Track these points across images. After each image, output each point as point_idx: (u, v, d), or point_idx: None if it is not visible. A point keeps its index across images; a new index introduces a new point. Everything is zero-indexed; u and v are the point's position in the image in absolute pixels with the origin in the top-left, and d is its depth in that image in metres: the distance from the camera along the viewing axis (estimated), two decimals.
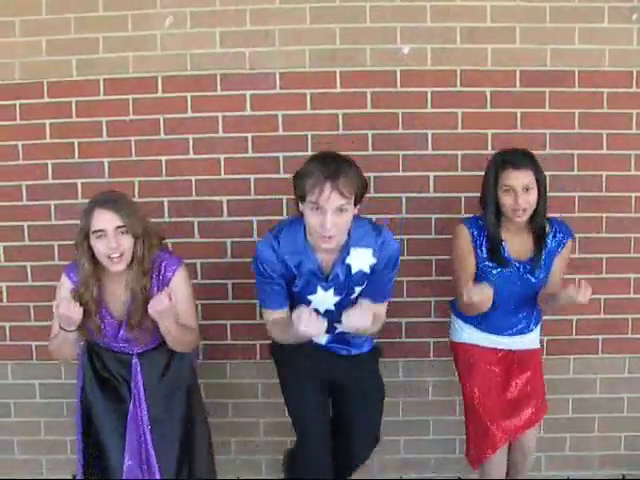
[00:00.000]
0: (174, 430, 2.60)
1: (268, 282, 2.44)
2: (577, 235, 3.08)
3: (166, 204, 3.14)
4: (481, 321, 2.73)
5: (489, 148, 3.02)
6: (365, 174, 2.38)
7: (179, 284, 2.51)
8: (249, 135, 3.10)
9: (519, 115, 3.06)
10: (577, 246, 3.12)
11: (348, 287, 2.45)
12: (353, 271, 2.41)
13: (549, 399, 3.14)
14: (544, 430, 3.21)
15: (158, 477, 2.55)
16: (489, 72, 3.05)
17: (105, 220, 2.38)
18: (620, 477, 3.27)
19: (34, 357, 3.24)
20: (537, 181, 2.58)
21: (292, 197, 2.41)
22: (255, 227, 3.14)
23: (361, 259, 2.40)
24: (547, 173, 2.67)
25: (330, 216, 2.22)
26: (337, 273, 2.42)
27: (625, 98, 3.07)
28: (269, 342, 2.75)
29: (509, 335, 2.77)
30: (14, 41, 3.08)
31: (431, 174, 3.10)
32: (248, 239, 3.12)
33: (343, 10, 3.03)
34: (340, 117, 3.08)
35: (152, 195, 3.12)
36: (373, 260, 2.41)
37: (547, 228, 2.68)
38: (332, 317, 2.44)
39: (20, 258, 3.19)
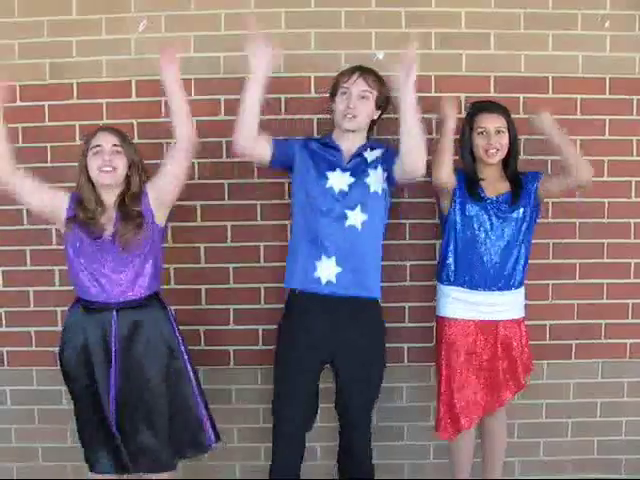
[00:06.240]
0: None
1: (286, 140, 2.79)
2: (552, 241, 3.17)
3: None
4: (466, 273, 2.80)
5: None
6: None
7: (150, 185, 2.63)
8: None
9: None
10: (551, 252, 3.17)
11: (363, 170, 2.70)
12: (368, 161, 2.73)
13: (523, 404, 3.18)
14: (518, 435, 3.24)
15: None
16: (464, 78, 3.09)
17: (103, 138, 2.59)
18: None
19: (5, 363, 3.21)
20: (508, 130, 2.80)
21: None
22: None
23: (374, 154, 2.75)
24: None
25: (354, 98, 2.66)
26: (355, 162, 2.72)
27: (598, 104, 3.11)
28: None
29: (491, 289, 2.79)
30: None
31: None
32: (222, 244, 3.15)
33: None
34: None
35: None
36: (383, 150, 2.76)
37: (521, 176, 2.87)
38: (345, 202, 2.66)
39: None
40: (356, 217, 2.65)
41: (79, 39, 3.06)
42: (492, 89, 3.08)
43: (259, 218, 3.15)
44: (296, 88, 3.07)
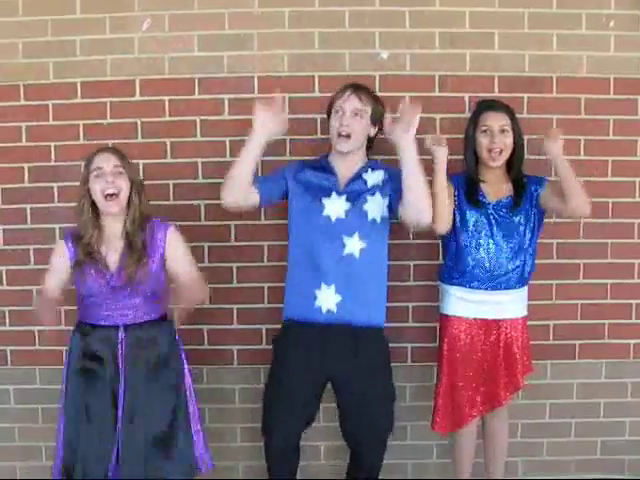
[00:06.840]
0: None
1: (276, 173, 2.77)
2: (555, 241, 3.17)
3: None
4: (468, 275, 2.78)
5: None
6: None
7: (173, 241, 2.59)
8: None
9: None
10: (555, 251, 3.17)
11: (361, 195, 2.65)
12: (368, 185, 2.68)
13: (526, 404, 3.18)
14: (521, 435, 3.24)
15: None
16: (468, 77, 3.08)
17: (103, 159, 2.52)
18: None
19: (9, 362, 3.21)
20: (513, 130, 2.76)
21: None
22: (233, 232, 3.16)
23: (376, 177, 2.70)
24: None
25: (348, 115, 2.62)
26: (353, 185, 2.68)
27: (602, 104, 3.11)
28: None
29: (494, 289, 2.78)
30: None
31: None
32: (226, 243, 3.14)
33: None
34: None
35: None
36: (385, 176, 2.70)
37: (524, 180, 2.82)
38: (342, 229, 2.61)
39: None
40: (354, 245, 2.60)
41: (83, 38, 3.05)
42: (496, 89, 3.07)
43: (263, 217, 3.14)
44: (300, 87, 3.07)
